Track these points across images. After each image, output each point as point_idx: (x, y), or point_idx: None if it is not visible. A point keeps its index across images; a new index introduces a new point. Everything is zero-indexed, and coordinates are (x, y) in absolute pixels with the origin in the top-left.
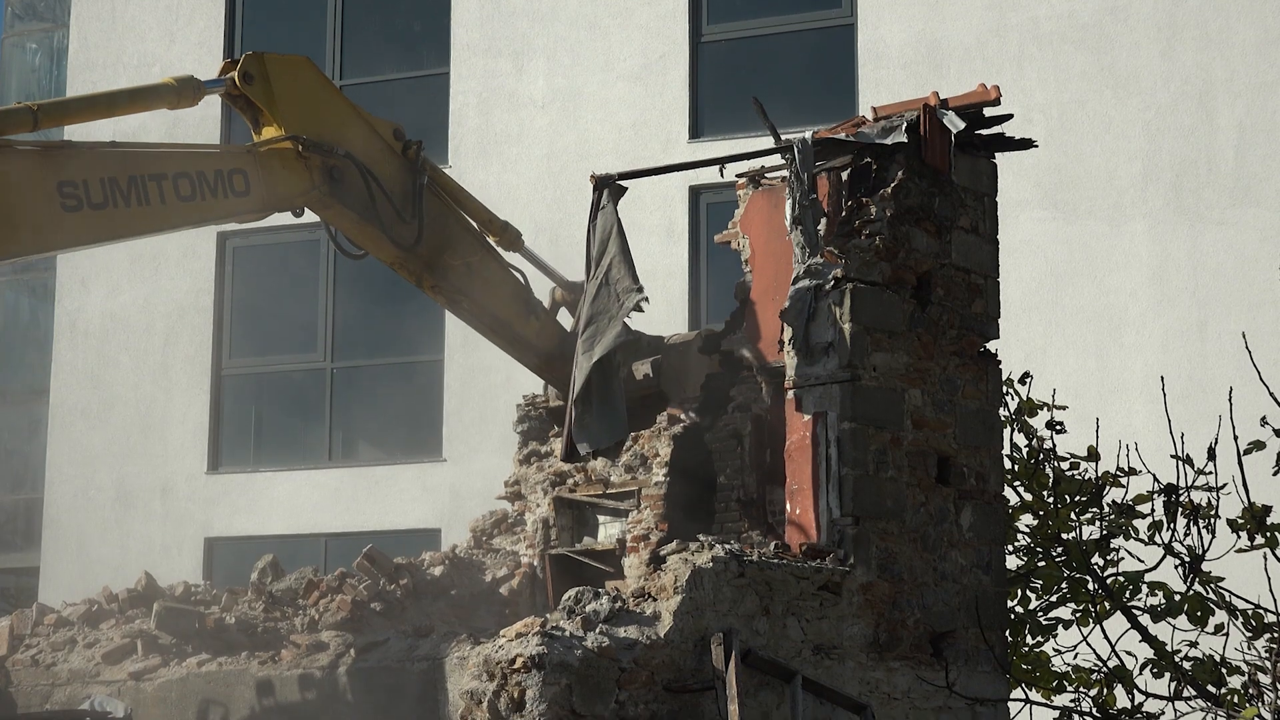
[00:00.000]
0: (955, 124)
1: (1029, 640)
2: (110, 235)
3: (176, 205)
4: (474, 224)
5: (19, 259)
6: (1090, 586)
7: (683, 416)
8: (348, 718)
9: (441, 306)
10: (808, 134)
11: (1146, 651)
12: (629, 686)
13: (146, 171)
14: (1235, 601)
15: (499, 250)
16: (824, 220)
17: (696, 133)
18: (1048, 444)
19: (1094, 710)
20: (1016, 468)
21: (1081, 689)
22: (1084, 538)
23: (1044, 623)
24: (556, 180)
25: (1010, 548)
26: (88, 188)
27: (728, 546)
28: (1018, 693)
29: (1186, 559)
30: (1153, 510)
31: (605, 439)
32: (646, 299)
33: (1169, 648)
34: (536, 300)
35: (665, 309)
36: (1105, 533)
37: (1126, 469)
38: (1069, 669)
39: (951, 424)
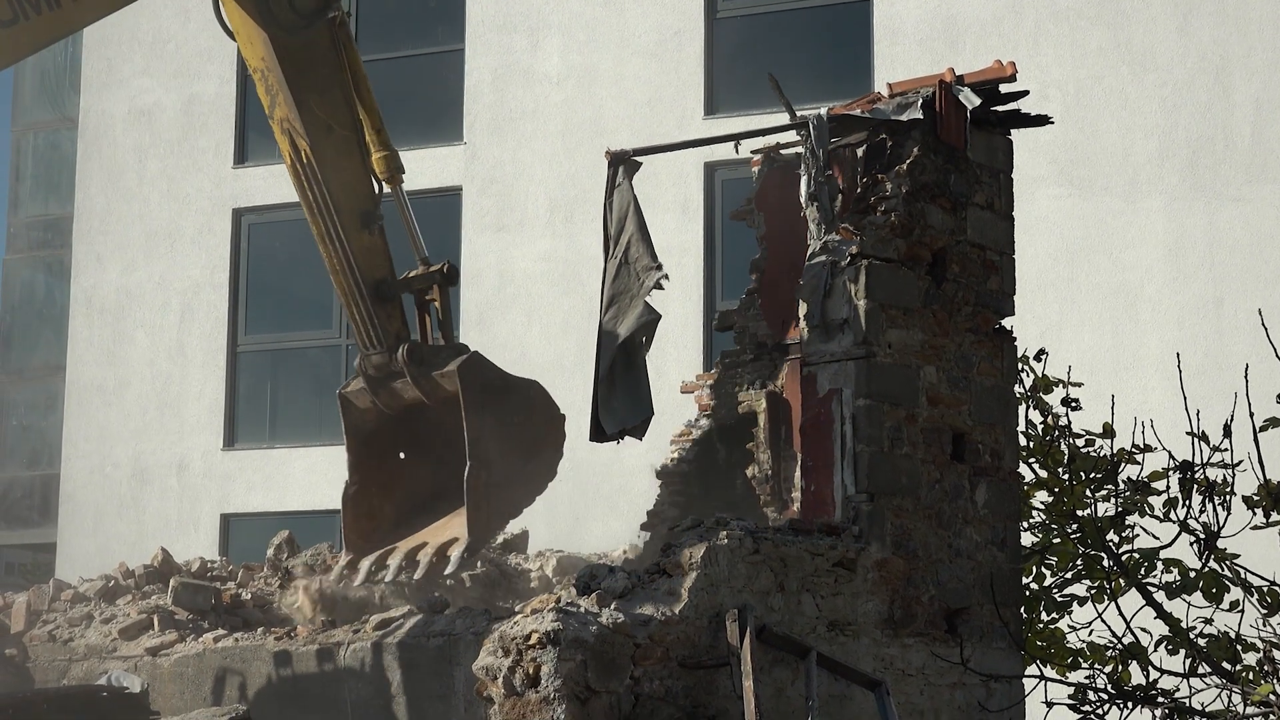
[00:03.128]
0: (971, 100)
1: (1044, 617)
2: (29, 49)
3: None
4: (363, 119)
5: None
6: (1105, 563)
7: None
8: (362, 693)
9: (280, 153)
10: (823, 110)
11: (1161, 628)
12: (644, 663)
13: None
14: (1250, 578)
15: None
16: (839, 197)
17: (712, 109)
18: (1063, 421)
19: (1109, 687)
20: (1031, 444)
21: (1096, 666)
22: (1099, 514)
23: (1059, 599)
24: (572, 156)
25: (1025, 524)
26: None
27: (743, 523)
28: (1032, 669)
29: (1202, 536)
30: (1168, 487)
31: (631, 419)
32: (667, 276)
33: (1184, 624)
34: (380, 221)
35: (680, 285)
36: (1120, 509)
37: (1142, 446)
38: (1084, 646)
39: (966, 401)
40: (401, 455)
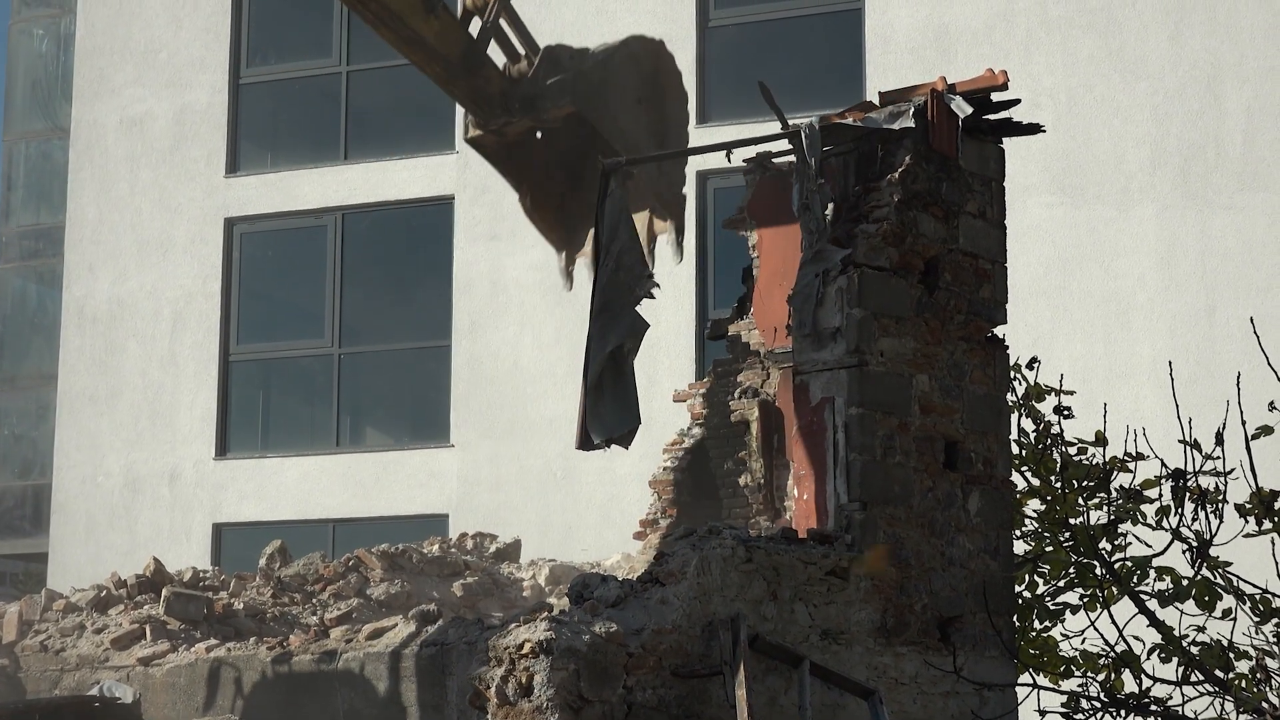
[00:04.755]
0: (963, 109)
1: (1036, 625)
2: None
3: None
4: None
5: None
6: (1098, 571)
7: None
8: (355, 703)
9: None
10: (815, 119)
11: (1154, 636)
12: (637, 671)
13: None
14: (1243, 586)
15: None
16: (831, 205)
17: (704, 118)
18: (1055, 429)
19: (1101, 695)
20: (1024, 453)
21: (1089, 674)
22: (1091, 523)
23: (1051, 608)
24: None
25: (1018, 533)
26: None
27: (735, 531)
28: (1025, 678)
29: (1194, 544)
30: (1160, 495)
31: (618, 428)
32: (657, 285)
33: (1177, 632)
34: (440, 1)
35: (672, 294)
36: (1113, 518)
37: (1134, 454)
38: (1077, 654)
39: (959, 409)
40: (539, 135)
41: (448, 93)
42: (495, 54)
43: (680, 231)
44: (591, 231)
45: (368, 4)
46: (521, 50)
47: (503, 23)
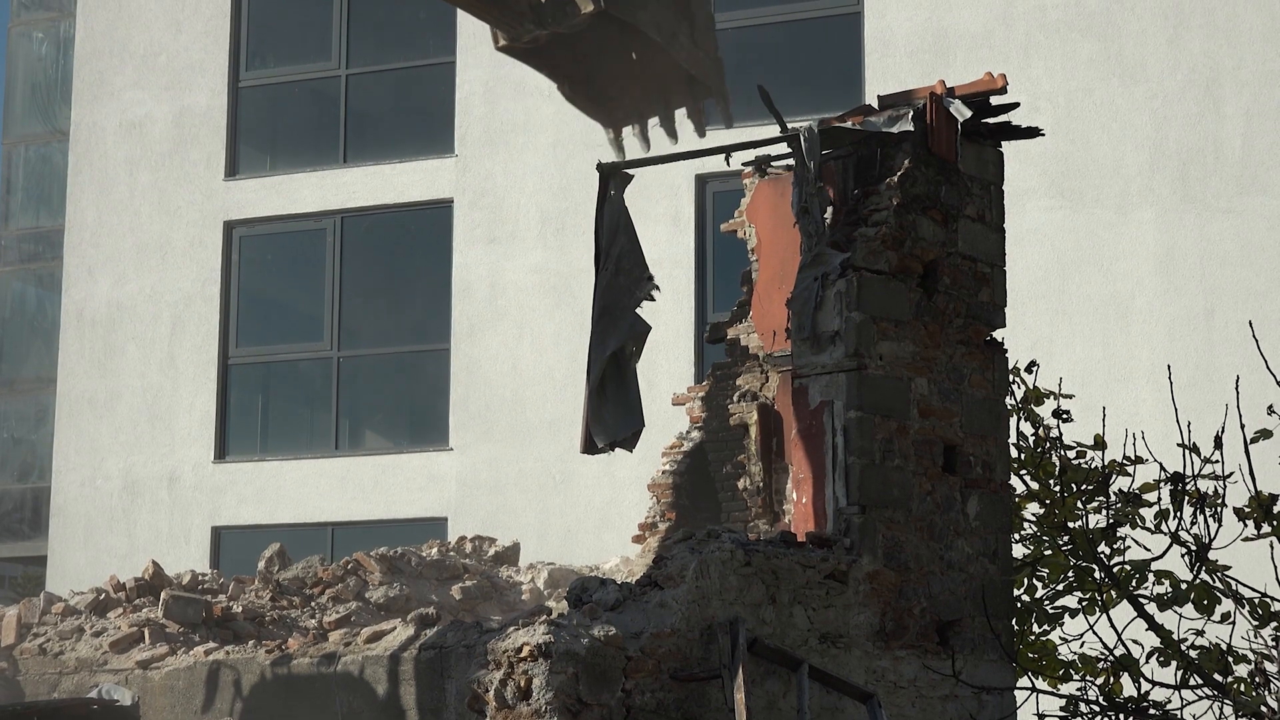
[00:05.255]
0: (961, 112)
1: (1035, 629)
2: None
3: None
4: None
5: None
6: (1097, 575)
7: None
8: (354, 705)
9: None
10: (814, 122)
11: (1153, 640)
12: (635, 675)
13: None
14: (1242, 590)
15: None
16: (830, 209)
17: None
18: (1054, 432)
19: (1100, 699)
20: (1023, 456)
21: (1088, 677)
22: (1090, 526)
23: (1050, 611)
24: (563, 169)
25: (1017, 536)
26: None
27: (734, 535)
28: (1024, 681)
29: (1193, 547)
30: (1159, 499)
31: (622, 431)
32: (657, 287)
33: (1175, 636)
34: None
35: (671, 297)
36: (1112, 521)
37: (1133, 457)
38: (1075, 657)
39: (958, 413)
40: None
41: (480, 18)
42: None
43: (724, 99)
44: (636, 99)
45: None
46: None
47: None
